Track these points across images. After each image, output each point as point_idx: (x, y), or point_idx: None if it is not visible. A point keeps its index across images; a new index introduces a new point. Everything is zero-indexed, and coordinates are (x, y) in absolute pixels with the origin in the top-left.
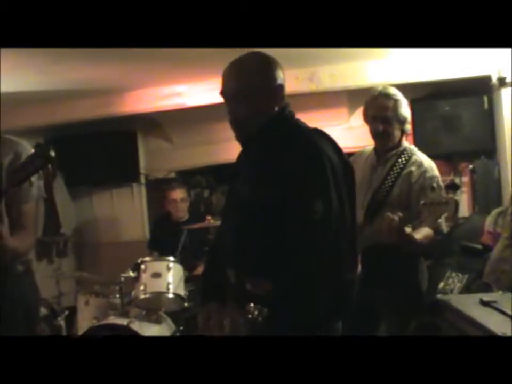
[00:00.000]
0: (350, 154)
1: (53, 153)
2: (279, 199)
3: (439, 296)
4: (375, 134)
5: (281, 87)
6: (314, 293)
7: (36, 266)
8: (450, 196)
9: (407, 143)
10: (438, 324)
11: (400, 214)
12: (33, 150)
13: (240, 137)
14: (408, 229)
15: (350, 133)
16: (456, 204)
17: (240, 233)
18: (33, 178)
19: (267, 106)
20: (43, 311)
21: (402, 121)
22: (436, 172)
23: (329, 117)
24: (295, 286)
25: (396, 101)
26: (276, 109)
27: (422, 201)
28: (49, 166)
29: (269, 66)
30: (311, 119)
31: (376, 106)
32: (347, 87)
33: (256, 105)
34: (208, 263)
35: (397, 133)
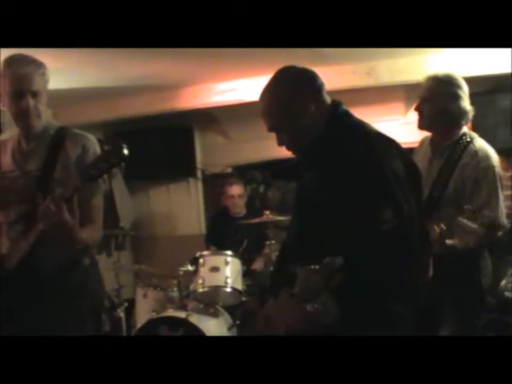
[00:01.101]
0: (409, 149)
1: (126, 151)
2: (344, 205)
3: (507, 293)
4: (428, 119)
5: (318, 91)
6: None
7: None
8: (474, 227)
9: (465, 130)
10: (507, 320)
11: (443, 227)
12: (106, 147)
13: (297, 153)
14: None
15: (406, 128)
16: (480, 235)
17: (307, 236)
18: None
19: (316, 116)
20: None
21: (459, 109)
22: (493, 161)
23: (386, 111)
24: (362, 292)
25: (453, 87)
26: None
27: (460, 215)
28: (122, 164)
29: (299, 78)
30: (368, 113)
31: (429, 92)
32: (405, 81)
33: (303, 123)
34: (279, 260)
35: (452, 121)
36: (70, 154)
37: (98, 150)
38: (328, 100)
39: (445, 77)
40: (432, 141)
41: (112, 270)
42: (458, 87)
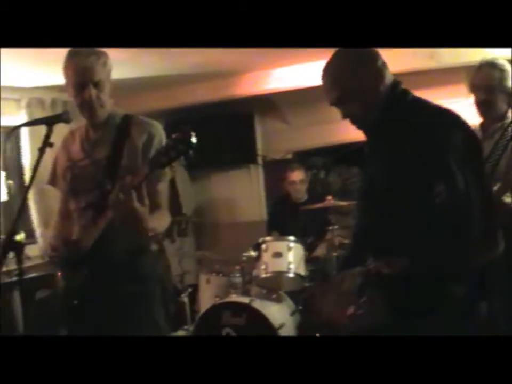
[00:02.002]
0: None
1: (195, 139)
2: (405, 180)
3: None
4: (478, 104)
5: (381, 68)
6: (449, 274)
7: None
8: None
9: None
10: None
11: None
12: (175, 135)
13: (362, 129)
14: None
15: (469, 110)
16: None
17: (371, 215)
18: None
19: (378, 92)
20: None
21: (509, 93)
22: None
23: (449, 93)
24: (430, 266)
25: (502, 72)
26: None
27: None
28: (191, 151)
29: (363, 54)
30: (430, 96)
31: (480, 76)
32: (467, 63)
33: (364, 100)
34: (351, 245)
35: (502, 105)
36: (136, 141)
37: (163, 136)
38: (390, 78)
39: (500, 64)
40: (482, 123)
41: (176, 256)
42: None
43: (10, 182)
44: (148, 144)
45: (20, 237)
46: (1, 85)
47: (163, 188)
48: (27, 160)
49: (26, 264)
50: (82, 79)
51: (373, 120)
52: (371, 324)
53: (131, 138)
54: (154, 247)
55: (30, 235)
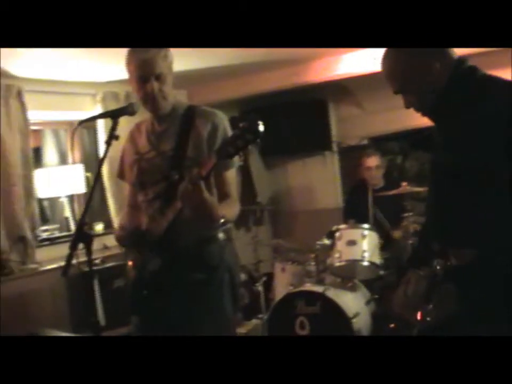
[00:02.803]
0: None
1: (261, 128)
2: (477, 164)
3: None
4: None
5: (437, 53)
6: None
7: (235, 235)
8: None
9: None
10: None
11: None
12: (241, 124)
13: (426, 115)
14: None
15: None
16: None
17: (440, 203)
18: None
19: (441, 74)
20: (243, 277)
21: None
22: None
23: None
24: (502, 255)
25: None
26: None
27: None
28: (258, 140)
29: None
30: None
31: None
32: None
33: (428, 81)
34: (420, 234)
35: None
36: (201, 132)
37: (228, 126)
38: (453, 56)
39: None
40: None
41: (251, 245)
42: None
43: (88, 174)
44: (212, 134)
45: (98, 227)
46: (77, 80)
47: (231, 177)
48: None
49: (105, 253)
50: (144, 73)
51: (437, 104)
52: (443, 321)
53: (196, 129)
54: (222, 236)
55: (109, 225)
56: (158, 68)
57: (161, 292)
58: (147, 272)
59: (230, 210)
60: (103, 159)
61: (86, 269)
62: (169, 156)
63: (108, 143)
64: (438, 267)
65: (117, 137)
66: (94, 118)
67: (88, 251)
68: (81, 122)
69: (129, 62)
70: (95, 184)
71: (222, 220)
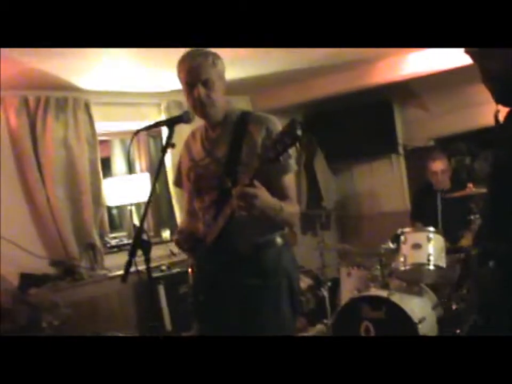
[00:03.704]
0: None
1: (299, 132)
2: None
3: None
4: None
5: None
6: None
7: (301, 239)
8: None
9: None
10: None
11: None
12: (282, 128)
13: (497, 97)
14: None
15: None
16: None
17: (496, 202)
18: (290, 152)
19: None
20: (308, 281)
21: None
22: None
23: None
24: None
25: None
26: None
27: None
28: (297, 143)
29: None
30: None
31: None
32: None
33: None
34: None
35: None
36: (255, 137)
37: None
38: None
39: None
40: None
41: (317, 250)
42: None
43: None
44: (266, 139)
45: (165, 234)
46: (141, 90)
47: (288, 179)
48: (169, 161)
49: (172, 260)
50: (191, 79)
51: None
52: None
53: (249, 135)
54: (279, 240)
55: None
56: (205, 74)
57: (218, 298)
58: (204, 278)
59: (288, 210)
60: (159, 167)
61: (154, 274)
62: (223, 162)
63: (164, 151)
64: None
65: (173, 145)
66: (150, 127)
67: (147, 258)
68: (138, 132)
69: (179, 69)
70: (152, 192)
71: (283, 220)
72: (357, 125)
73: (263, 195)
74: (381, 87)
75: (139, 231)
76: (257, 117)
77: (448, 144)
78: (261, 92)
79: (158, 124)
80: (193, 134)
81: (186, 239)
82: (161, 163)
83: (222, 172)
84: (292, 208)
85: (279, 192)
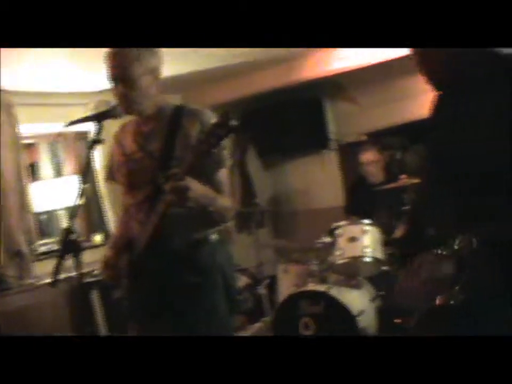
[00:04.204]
0: None
1: (233, 122)
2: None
3: None
4: None
5: None
6: None
7: (236, 238)
8: None
9: None
10: None
11: None
12: (213, 121)
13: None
14: None
15: None
16: None
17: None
18: (221, 146)
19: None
20: (245, 280)
21: None
22: None
23: None
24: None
25: None
26: None
27: None
28: (221, 142)
29: None
30: None
31: None
32: None
33: None
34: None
35: None
36: (189, 131)
37: None
38: None
39: None
40: None
41: (253, 248)
42: None
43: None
44: (200, 133)
45: (97, 238)
46: (69, 91)
47: (222, 175)
48: (99, 163)
49: None
50: (114, 75)
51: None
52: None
53: (183, 128)
54: (214, 237)
55: (108, 236)
56: (128, 71)
57: (154, 298)
58: (140, 278)
59: (223, 205)
60: (87, 165)
61: (86, 280)
62: (156, 156)
63: (91, 147)
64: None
65: (101, 141)
66: (77, 122)
67: (77, 260)
68: (66, 126)
69: (106, 64)
70: (81, 191)
71: (221, 212)
72: (289, 121)
73: (195, 186)
74: (311, 83)
75: (68, 231)
76: (191, 110)
77: (379, 138)
78: (190, 90)
79: (86, 119)
80: (123, 128)
81: (115, 260)
82: (89, 160)
83: (155, 166)
84: (226, 202)
85: (212, 187)
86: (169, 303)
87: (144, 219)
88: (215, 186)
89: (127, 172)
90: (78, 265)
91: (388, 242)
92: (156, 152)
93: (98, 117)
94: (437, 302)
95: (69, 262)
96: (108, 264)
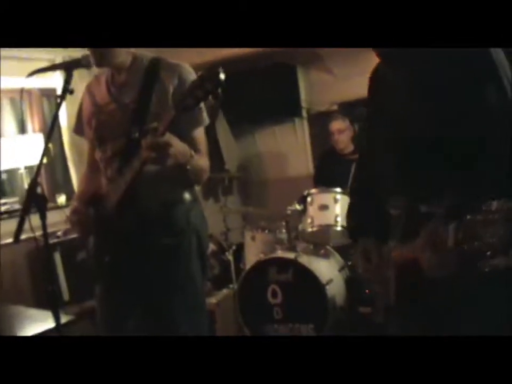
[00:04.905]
0: None
1: (223, 76)
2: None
3: None
4: None
5: None
6: None
7: (203, 205)
8: None
9: None
10: None
11: None
12: (200, 73)
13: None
14: None
15: None
16: None
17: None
18: (202, 103)
19: None
20: (212, 247)
21: None
22: None
23: None
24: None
25: None
26: None
27: None
28: (219, 90)
29: None
30: None
31: None
32: None
33: None
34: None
35: None
36: (166, 86)
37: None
38: None
39: None
40: None
41: (220, 214)
42: None
43: (49, 144)
44: (178, 88)
45: (61, 199)
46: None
47: (199, 132)
48: (65, 122)
49: (68, 226)
50: None
51: None
52: None
53: (161, 82)
54: (187, 197)
55: (72, 197)
56: None
57: (125, 259)
58: (109, 238)
59: (200, 163)
60: (56, 114)
61: (48, 240)
62: (130, 109)
63: (62, 97)
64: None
65: (71, 91)
66: (45, 70)
67: (42, 214)
68: (31, 75)
69: None
70: (47, 141)
71: (194, 172)
72: (260, 88)
73: (175, 143)
74: (285, 50)
75: (33, 184)
76: (169, 64)
77: (350, 109)
78: (162, 53)
79: (54, 67)
80: (97, 78)
81: (83, 206)
82: (58, 110)
83: (129, 119)
84: (202, 161)
85: (189, 146)
86: (140, 265)
87: (115, 176)
88: (192, 145)
89: (97, 124)
90: (43, 220)
91: None
92: (130, 104)
93: (68, 66)
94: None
95: (31, 222)
96: (76, 212)
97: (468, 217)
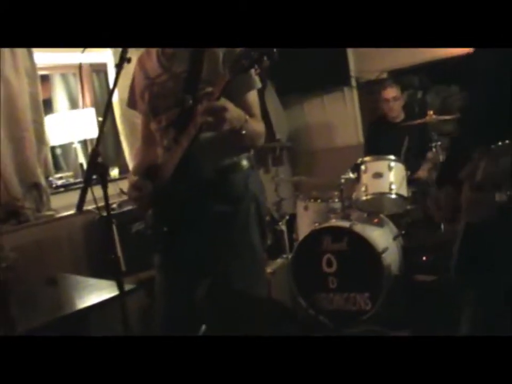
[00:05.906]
0: None
1: None
2: None
3: None
4: None
5: None
6: None
7: None
8: None
9: None
10: None
11: None
12: None
13: None
14: None
15: None
16: None
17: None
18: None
19: None
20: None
21: None
22: None
23: None
24: None
25: None
26: None
27: None
28: (265, 58)
29: None
30: None
31: None
32: None
33: None
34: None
35: None
36: (216, 52)
37: None
38: None
39: None
40: None
41: (271, 183)
42: None
43: (100, 118)
44: (228, 54)
45: (114, 173)
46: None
47: (252, 96)
48: (116, 96)
49: (122, 198)
50: None
51: None
52: None
53: (210, 49)
54: (245, 163)
55: (125, 170)
56: None
57: (183, 228)
58: (166, 208)
59: (256, 127)
60: (115, 84)
61: (104, 213)
62: (182, 78)
63: (119, 65)
64: None
65: (129, 60)
66: None
67: (104, 182)
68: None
69: None
70: (106, 112)
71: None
72: (309, 57)
73: (230, 107)
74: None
75: (94, 154)
76: None
77: (401, 77)
78: None
79: None
80: (147, 51)
81: (141, 181)
82: (117, 79)
83: (181, 88)
84: (256, 125)
85: (243, 110)
86: (201, 235)
87: (171, 144)
88: (246, 109)
89: (150, 96)
90: (104, 189)
91: (410, 180)
92: (182, 73)
93: None
94: (496, 198)
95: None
96: (135, 187)
97: None
